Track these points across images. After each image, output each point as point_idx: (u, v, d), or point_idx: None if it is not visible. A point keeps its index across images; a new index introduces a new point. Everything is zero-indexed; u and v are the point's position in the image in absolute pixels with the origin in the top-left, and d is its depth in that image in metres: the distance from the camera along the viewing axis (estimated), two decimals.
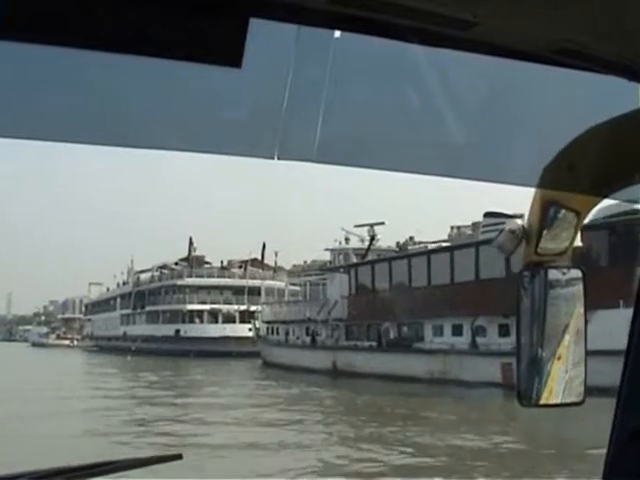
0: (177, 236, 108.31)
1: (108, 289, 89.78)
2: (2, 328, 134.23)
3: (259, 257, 70.83)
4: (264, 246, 71.96)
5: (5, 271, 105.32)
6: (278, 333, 46.85)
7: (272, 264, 70.10)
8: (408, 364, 31.04)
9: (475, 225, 38.59)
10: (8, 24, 0.91)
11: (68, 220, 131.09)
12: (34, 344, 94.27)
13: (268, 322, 48.71)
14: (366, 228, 42.67)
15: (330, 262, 43.37)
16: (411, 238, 47.38)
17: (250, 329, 61.75)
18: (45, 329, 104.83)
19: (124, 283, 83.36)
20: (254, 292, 64.94)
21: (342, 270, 40.48)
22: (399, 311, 34.33)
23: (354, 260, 41.40)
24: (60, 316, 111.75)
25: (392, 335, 35.63)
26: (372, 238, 40.82)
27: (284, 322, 45.79)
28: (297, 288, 56.77)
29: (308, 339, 42.38)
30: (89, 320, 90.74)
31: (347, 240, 43.82)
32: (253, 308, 64.01)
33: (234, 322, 64.21)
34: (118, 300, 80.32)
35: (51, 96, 1.04)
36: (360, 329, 38.04)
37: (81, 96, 1.05)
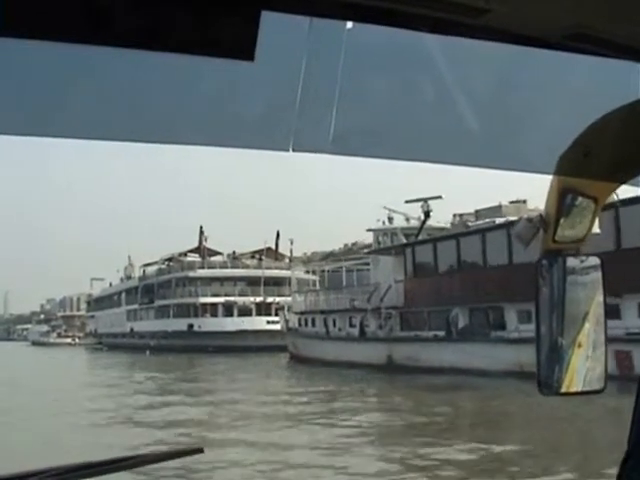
0: (176, 228, 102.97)
1: (111, 284, 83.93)
2: (0, 327, 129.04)
3: (268, 247, 65.36)
4: (278, 235, 66.70)
5: (1, 270, 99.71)
6: (314, 325, 40.97)
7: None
8: (488, 356, 25.43)
9: (478, 213, 33.72)
10: (21, 21, 0.89)
11: (64, 217, 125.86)
12: (34, 343, 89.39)
13: (301, 313, 42.77)
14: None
15: (380, 243, 37.46)
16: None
17: (268, 322, 56.83)
18: (46, 327, 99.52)
19: (128, 277, 77.55)
20: (269, 283, 59.78)
21: (393, 251, 34.74)
22: (471, 295, 28.74)
23: (403, 240, 35.73)
24: (60, 314, 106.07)
25: (463, 323, 29.97)
26: (427, 214, 34.94)
27: (322, 312, 39.87)
28: (314, 277, 51.31)
29: (353, 330, 36.62)
30: (92, 317, 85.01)
31: (390, 220, 38.13)
32: (270, 299, 59.02)
33: (250, 315, 58.78)
34: (123, 295, 74.58)
35: (62, 93, 1.01)
36: (419, 317, 32.25)
37: (96, 93, 1.02)
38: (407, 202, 35.34)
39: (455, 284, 29.62)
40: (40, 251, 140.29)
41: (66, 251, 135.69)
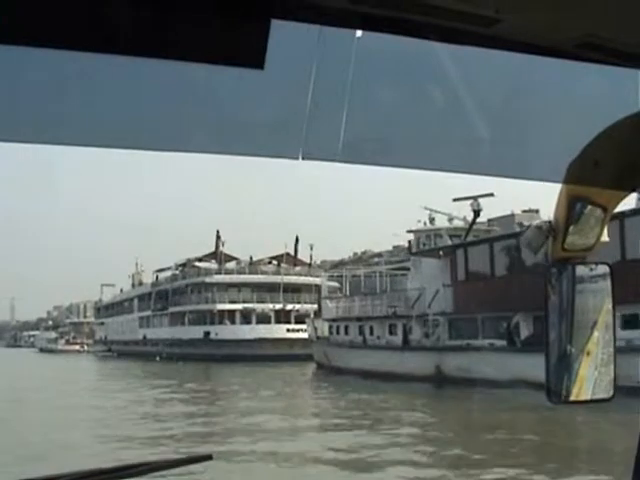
0: (186, 234, 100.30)
1: (122, 290, 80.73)
2: (6, 334, 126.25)
3: (286, 253, 62.22)
4: (297, 240, 63.47)
5: (7, 277, 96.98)
6: (347, 333, 37.83)
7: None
8: None
9: (491, 222, 31.63)
10: (25, 27, 0.89)
11: (71, 223, 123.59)
12: (42, 350, 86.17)
13: (333, 320, 39.53)
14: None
15: (425, 245, 34.30)
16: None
17: (288, 330, 53.85)
18: (54, 334, 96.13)
19: (140, 284, 74.41)
20: (288, 289, 56.78)
21: (442, 253, 31.64)
22: (536, 300, 25.52)
23: (448, 242, 32.65)
24: (69, 320, 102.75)
25: (527, 331, 26.73)
26: (477, 213, 31.83)
27: (358, 319, 36.70)
28: (334, 284, 48.24)
29: (394, 339, 33.46)
30: (101, 324, 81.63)
31: (432, 221, 35.07)
32: (289, 307, 56.03)
33: (269, 322, 55.73)
34: (135, 301, 71.16)
35: (74, 101, 1.02)
36: (471, 324, 29.04)
37: (108, 102, 1.02)
38: (455, 200, 32.22)
39: (516, 288, 26.45)
40: (46, 258, 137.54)
41: (72, 258, 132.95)
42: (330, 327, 39.75)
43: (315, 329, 41.02)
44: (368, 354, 33.33)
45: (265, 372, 37.58)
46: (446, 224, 34.15)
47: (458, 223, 33.65)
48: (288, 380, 33.87)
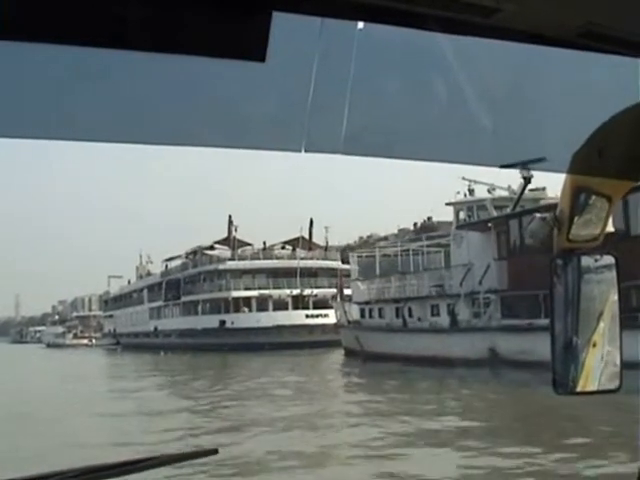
0: (186, 226, 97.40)
1: (129, 282, 77.56)
2: (12, 330, 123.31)
3: (301, 236, 59.07)
4: (311, 223, 60.26)
5: (11, 273, 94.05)
6: (382, 316, 34.80)
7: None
8: None
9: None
10: (31, 23, 0.89)
11: (73, 218, 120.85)
12: (49, 345, 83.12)
13: (366, 303, 36.46)
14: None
15: (470, 217, 31.05)
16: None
17: (307, 315, 50.94)
18: (61, 329, 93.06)
19: (149, 274, 71.24)
20: (303, 274, 53.76)
21: (492, 225, 28.49)
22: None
23: (493, 213, 29.55)
24: (76, 314, 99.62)
25: None
26: (527, 180, 28.58)
27: (396, 301, 33.58)
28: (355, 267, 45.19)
29: (438, 320, 30.38)
30: (110, 317, 78.51)
31: (471, 192, 31.92)
32: (307, 292, 53.03)
33: (286, 309, 52.69)
34: (145, 292, 68.00)
35: (83, 97, 1.02)
36: (531, 303, 25.82)
37: (111, 96, 1.02)
38: (502, 167, 28.83)
39: None
40: (49, 252, 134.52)
41: (76, 251, 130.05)
42: (362, 310, 36.65)
43: (345, 313, 37.94)
44: (409, 338, 30.24)
45: (292, 361, 34.56)
46: (487, 195, 31.06)
47: (502, 193, 30.51)
48: (339, 371, 30.77)
